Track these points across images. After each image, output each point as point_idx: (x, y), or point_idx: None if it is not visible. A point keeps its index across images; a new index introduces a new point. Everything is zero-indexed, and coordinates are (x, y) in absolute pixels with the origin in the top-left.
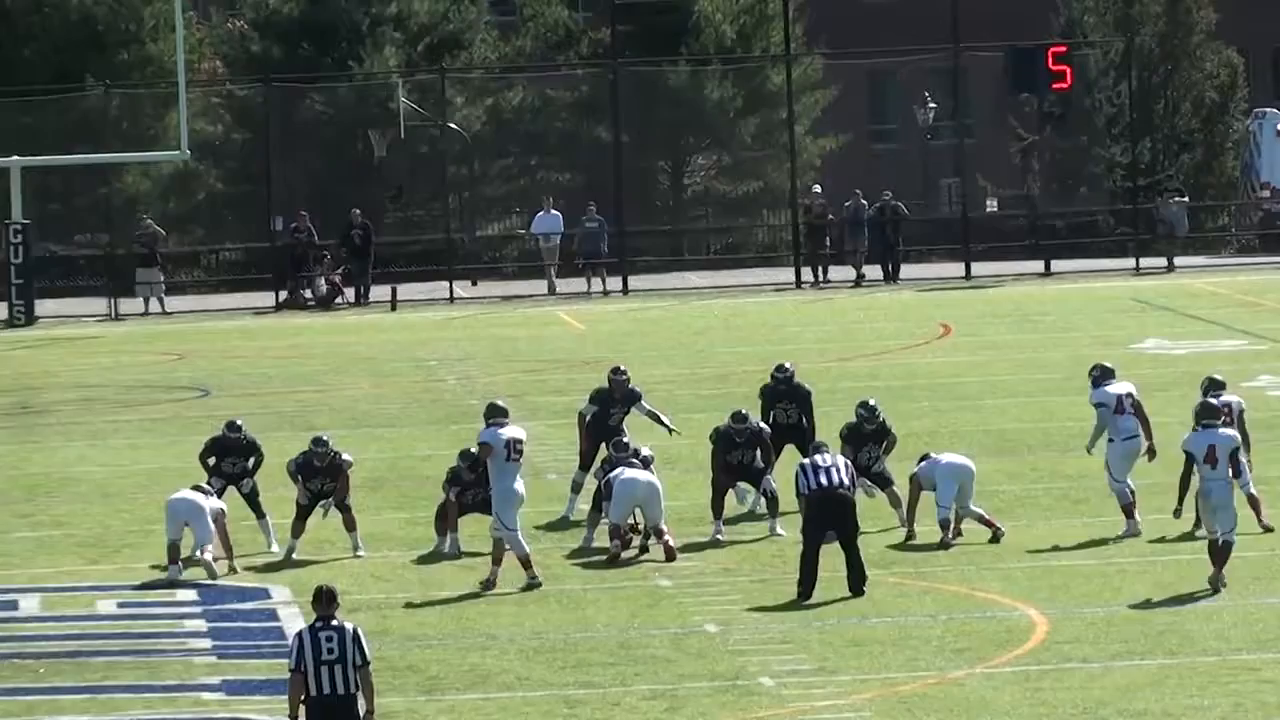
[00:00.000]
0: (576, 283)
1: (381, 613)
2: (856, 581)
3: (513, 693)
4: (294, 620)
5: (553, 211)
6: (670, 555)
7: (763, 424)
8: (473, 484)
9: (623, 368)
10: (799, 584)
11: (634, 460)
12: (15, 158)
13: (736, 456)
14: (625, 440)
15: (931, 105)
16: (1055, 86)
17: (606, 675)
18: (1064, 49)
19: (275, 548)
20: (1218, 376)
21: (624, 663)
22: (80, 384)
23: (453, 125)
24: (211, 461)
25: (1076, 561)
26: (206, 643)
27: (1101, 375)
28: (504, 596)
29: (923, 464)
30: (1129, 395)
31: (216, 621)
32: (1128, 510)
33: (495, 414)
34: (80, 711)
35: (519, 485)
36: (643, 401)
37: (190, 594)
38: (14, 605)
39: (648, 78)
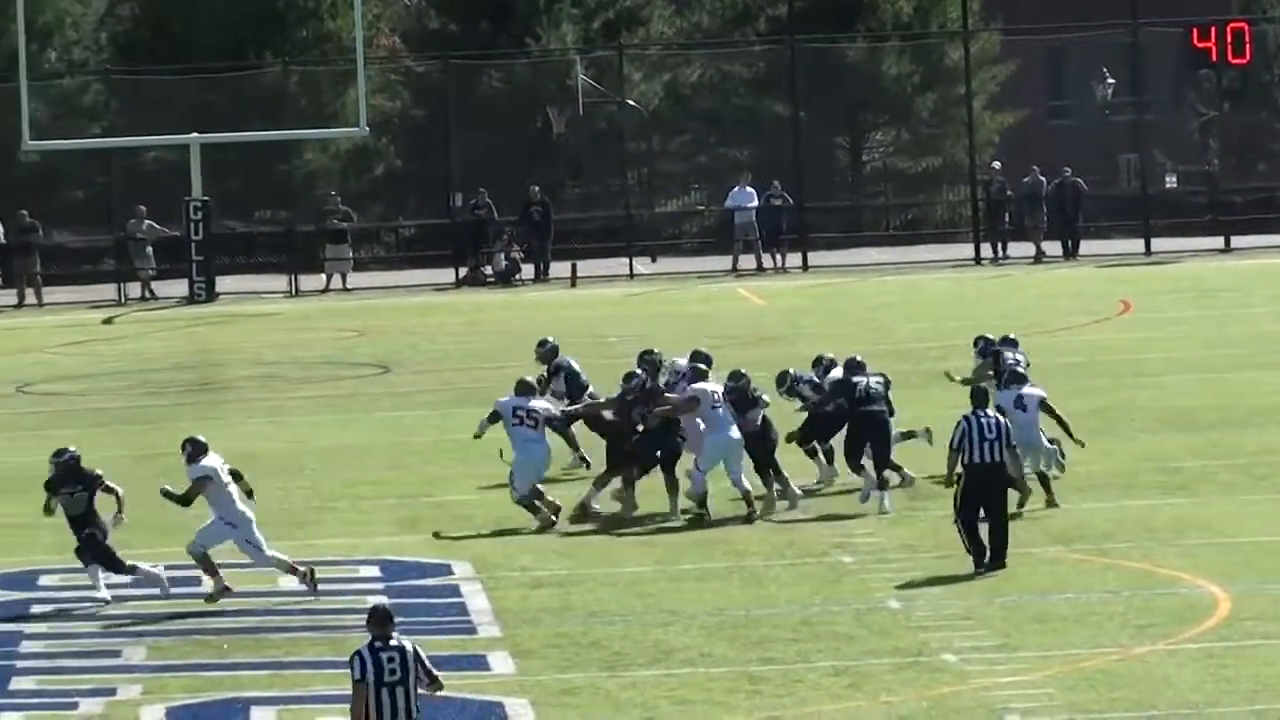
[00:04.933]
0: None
1: (564, 589)
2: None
3: (695, 669)
4: (476, 595)
5: (748, 189)
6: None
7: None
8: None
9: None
10: (971, 554)
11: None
12: (195, 135)
13: None
14: (743, 371)
15: (1110, 81)
16: (1234, 62)
17: (789, 652)
18: (1243, 24)
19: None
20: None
21: (806, 639)
22: (261, 360)
23: (631, 102)
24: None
25: (1259, 538)
26: None
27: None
28: (685, 572)
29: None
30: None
31: (399, 597)
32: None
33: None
34: (263, 688)
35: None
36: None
37: (373, 570)
38: (197, 581)
39: (825, 54)
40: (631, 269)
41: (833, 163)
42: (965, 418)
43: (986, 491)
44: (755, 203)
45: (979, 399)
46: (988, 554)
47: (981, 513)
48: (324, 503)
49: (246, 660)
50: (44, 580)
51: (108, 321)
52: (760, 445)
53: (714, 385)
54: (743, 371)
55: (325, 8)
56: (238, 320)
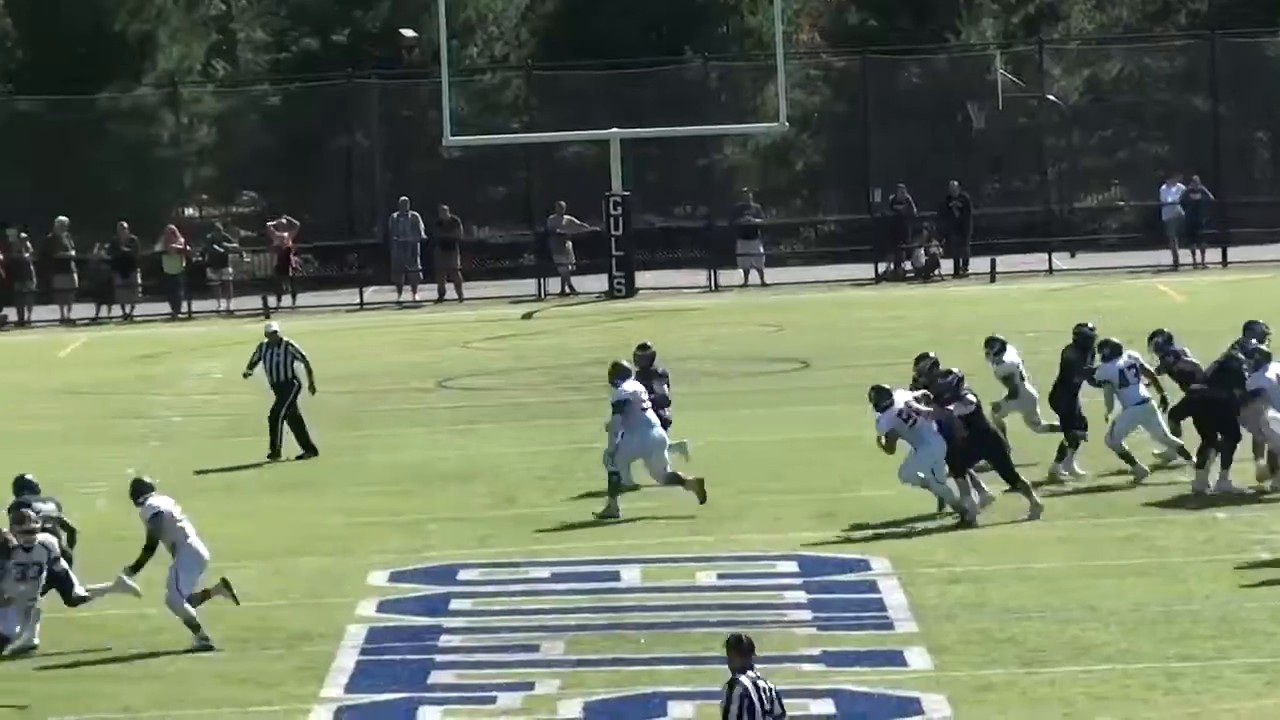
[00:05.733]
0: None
1: (980, 584)
2: None
3: (1113, 665)
4: (893, 591)
5: (1176, 186)
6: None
7: None
8: None
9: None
10: None
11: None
12: (615, 130)
13: None
14: (952, 369)
15: None
16: None
17: (1207, 648)
18: None
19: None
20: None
21: (1225, 635)
22: (681, 355)
23: (1051, 97)
24: None
25: None
26: (807, 614)
27: (1111, 352)
28: (1103, 568)
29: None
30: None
31: (817, 593)
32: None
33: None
34: (680, 682)
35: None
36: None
37: (791, 565)
38: (616, 576)
39: (1246, 48)
40: (1050, 264)
41: (1253, 158)
42: None
43: None
44: (1177, 198)
45: None
46: None
47: None
48: (743, 498)
49: (665, 655)
50: (463, 574)
51: (527, 316)
52: (977, 446)
53: (906, 395)
54: (951, 370)
55: (746, 3)
56: (657, 315)
